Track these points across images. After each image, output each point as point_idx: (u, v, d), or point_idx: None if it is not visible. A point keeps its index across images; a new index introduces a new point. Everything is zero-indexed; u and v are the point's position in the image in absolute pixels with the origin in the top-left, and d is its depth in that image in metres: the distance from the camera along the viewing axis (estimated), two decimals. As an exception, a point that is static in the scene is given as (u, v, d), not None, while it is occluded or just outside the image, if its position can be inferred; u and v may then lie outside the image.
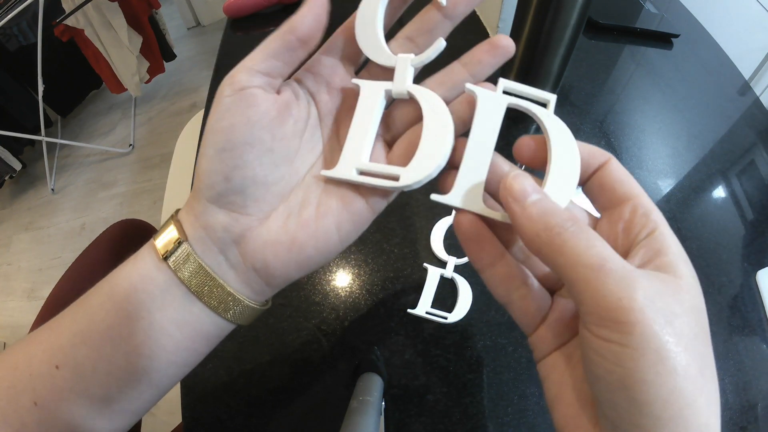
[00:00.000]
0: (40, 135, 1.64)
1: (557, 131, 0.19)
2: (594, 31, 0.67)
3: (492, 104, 0.19)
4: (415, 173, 0.19)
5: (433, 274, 0.42)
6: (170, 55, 1.89)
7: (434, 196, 0.20)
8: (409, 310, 0.40)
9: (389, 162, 0.21)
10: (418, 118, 0.21)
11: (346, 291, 0.42)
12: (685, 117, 0.57)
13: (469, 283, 0.41)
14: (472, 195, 0.19)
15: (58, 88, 1.73)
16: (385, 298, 0.41)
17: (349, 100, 0.22)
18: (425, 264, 0.43)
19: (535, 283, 0.20)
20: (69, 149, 1.86)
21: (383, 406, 0.34)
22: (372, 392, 0.32)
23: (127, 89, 1.76)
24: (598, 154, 0.19)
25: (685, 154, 0.53)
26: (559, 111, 0.61)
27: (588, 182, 0.19)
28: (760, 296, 0.41)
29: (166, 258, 0.19)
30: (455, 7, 0.20)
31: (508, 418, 0.35)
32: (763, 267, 0.43)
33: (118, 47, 1.60)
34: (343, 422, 0.29)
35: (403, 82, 0.21)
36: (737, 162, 0.52)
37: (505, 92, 0.19)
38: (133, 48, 1.62)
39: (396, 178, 0.20)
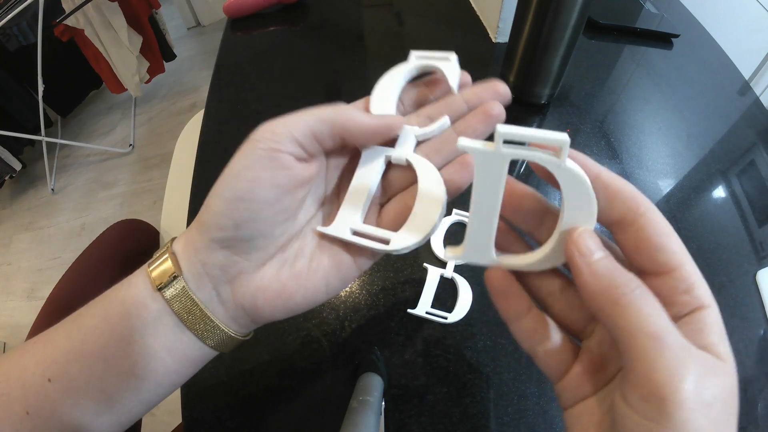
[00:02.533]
0: (40, 135, 1.64)
1: (570, 185, 0.17)
2: (594, 31, 0.67)
3: (491, 161, 0.17)
4: (404, 240, 0.21)
5: (433, 274, 0.42)
6: (170, 55, 1.89)
7: (447, 255, 0.21)
8: (409, 310, 0.40)
9: (380, 223, 0.22)
10: (411, 182, 0.22)
11: (346, 291, 0.42)
12: (685, 117, 0.57)
13: (469, 283, 0.41)
14: (483, 249, 0.20)
15: (58, 88, 1.73)
16: (385, 298, 0.41)
17: (354, 159, 0.23)
18: (425, 264, 0.43)
19: (558, 338, 0.20)
20: (69, 149, 1.86)
21: (383, 406, 0.34)
22: (372, 392, 0.32)
23: (127, 89, 1.76)
24: (634, 200, 0.17)
25: (685, 154, 0.53)
26: (559, 111, 0.61)
27: (619, 230, 0.17)
28: (760, 296, 0.41)
29: (160, 289, 0.20)
30: (478, 98, 0.22)
31: (508, 418, 0.35)
32: (763, 267, 0.43)
33: (118, 47, 1.60)
34: (343, 422, 0.29)
35: (404, 151, 0.22)
36: (737, 162, 0.52)
37: (506, 141, 0.16)
38: (133, 48, 1.62)
39: (386, 242, 0.21)
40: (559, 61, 0.50)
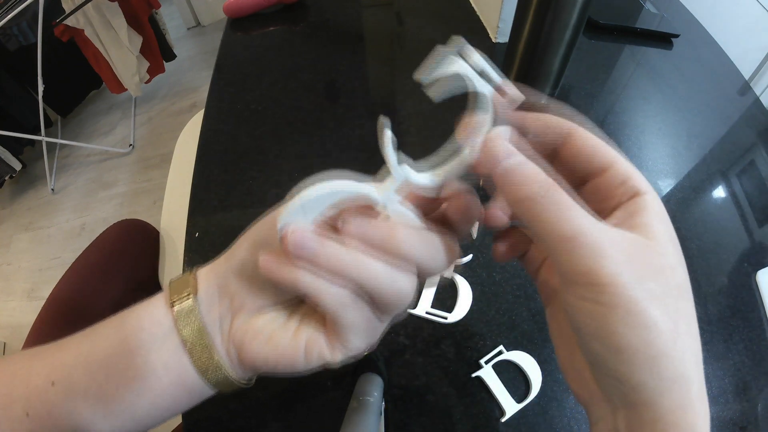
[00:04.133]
0: (40, 135, 1.64)
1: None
2: (594, 31, 0.67)
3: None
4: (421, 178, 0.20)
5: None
6: (170, 55, 1.89)
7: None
8: (409, 310, 0.40)
9: None
10: None
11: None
12: (685, 117, 0.57)
13: (469, 283, 0.41)
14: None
15: (58, 88, 1.73)
16: (385, 298, 0.41)
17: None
18: (425, 264, 0.43)
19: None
20: (69, 149, 1.86)
21: (383, 406, 0.34)
22: (372, 392, 0.32)
23: (127, 89, 1.76)
24: (558, 126, 0.19)
25: (685, 154, 0.53)
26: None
27: (559, 155, 0.19)
28: (760, 296, 0.41)
29: (173, 303, 0.20)
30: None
31: (508, 418, 0.35)
32: (763, 267, 0.43)
33: (118, 47, 1.60)
34: (343, 422, 0.29)
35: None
36: (737, 162, 0.52)
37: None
38: (133, 48, 1.62)
39: None
40: (559, 61, 0.50)
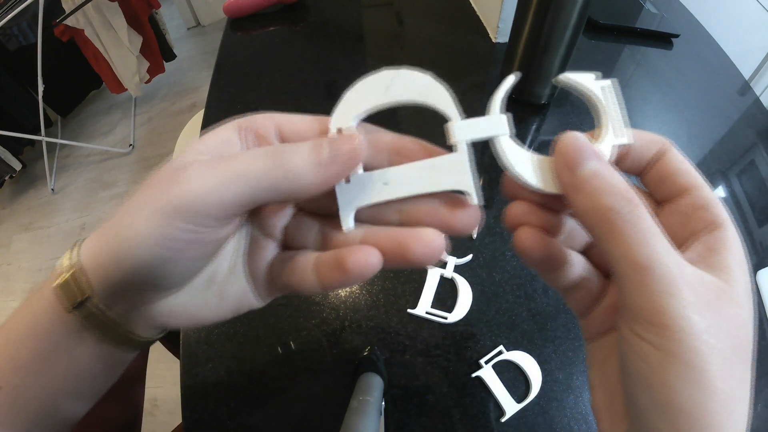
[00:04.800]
0: (40, 135, 1.64)
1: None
2: (594, 31, 0.67)
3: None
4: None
5: (433, 274, 0.42)
6: (170, 55, 1.89)
7: None
8: (409, 310, 0.40)
9: None
10: None
11: (347, 291, 0.42)
12: (685, 117, 0.57)
13: (469, 283, 0.41)
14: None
15: (58, 88, 1.73)
16: (385, 298, 0.41)
17: None
18: (425, 264, 0.43)
19: (587, 277, 0.19)
20: (69, 149, 1.86)
21: (383, 406, 0.34)
22: (372, 392, 0.32)
23: (127, 89, 1.76)
24: (656, 141, 0.18)
25: (685, 154, 0.53)
26: (559, 111, 0.61)
27: (646, 174, 0.18)
28: (760, 296, 0.41)
29: (74, 308, 0.18)
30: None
31: (508, 418, 0.35)
32: (763, 267, 0.43)
33: (118, 47, 1.60)
34: (343, 422, 0.29)
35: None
36: (737, 162, 0.52)
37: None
38: (133, 48, 1.62)
39: None
40: (559, 61, 0.50)
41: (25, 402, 0.20)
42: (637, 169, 0.18)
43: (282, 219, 0.20)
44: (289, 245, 0.21)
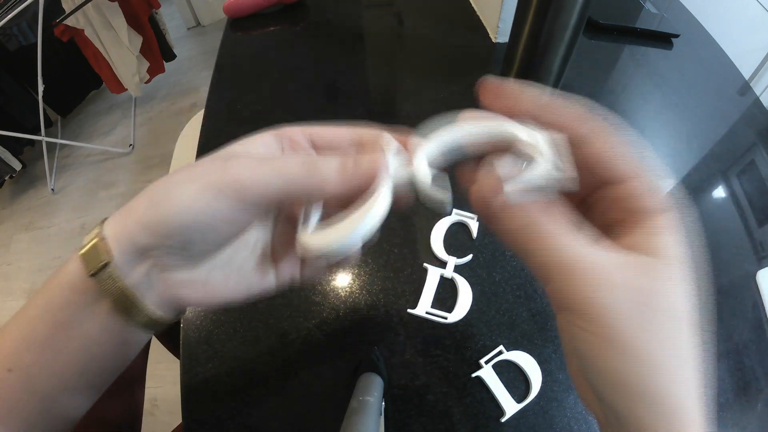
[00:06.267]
0: (40, 135, 1.64)
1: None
2: (594, 31, 0.67)
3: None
4: (314, 241, 0.20)
5: (433, 274, 0.42)
6: (170, 55, 1.89)
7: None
8: (409, 310, 0.40)
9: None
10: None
11: (346, 291, 0.42)
12: (685, 117, 0.57)
13: (469, 283, 0.41)
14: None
15: (58, 88, 1.73)
16: (385, 298, 0.41)
17: None
18: (425, 264, 0.43)
19: None
20: (69, 149, 1.86)
21: (383, 406, 0.34)
22: (372, 392, 0.32)
23: (127, 89, 1.76)
24: (576, 124, 0.17)
25: (685, 154, 0.53)
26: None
27: (579, 154, 0.17)
28: (760, 296, 0.41)
29: (92, 275, 0.20)
30: None
31: (508, 418, 0.35)
32: (763, 267, 0.43)
33: (118, 47, 1.60)
34: (343, 422, 0.29)
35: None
36: (737, 162, 0.52)
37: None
38: (133, 48, 1.62)
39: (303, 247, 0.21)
40: (559, 61, 0.50)
41: (35, 385, 0.21)
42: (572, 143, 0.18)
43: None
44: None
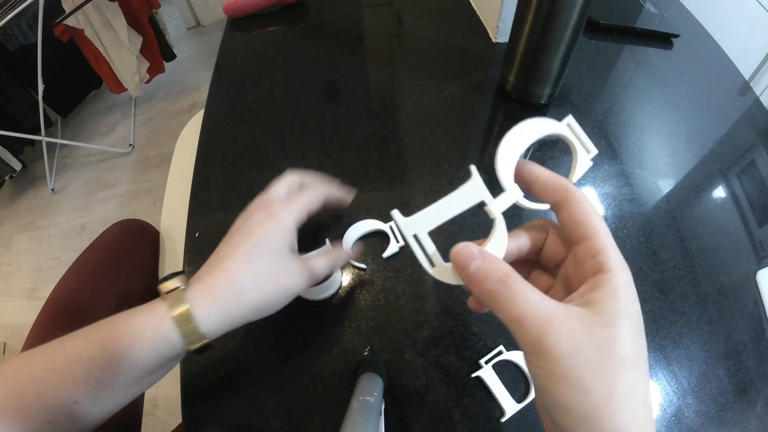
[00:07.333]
0: (40, 135, 1.64)
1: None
2: (594, 31, 0.67)
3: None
4: (446, 275, 0.24)
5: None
6: (170, 55, 1.89)
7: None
8: (409, 310, 0.40)
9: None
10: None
11: (346, 291, 0.42)
12: (685, 117, 0.57)
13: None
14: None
15: (58, 88, 1.73)
16: (385, 298, 0.41)
17: None
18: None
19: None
20: (69, 149, 1.86)
21: (383, 406, 0.34)
22: (372, 392, 0.32)
23: (127, 89, 1.76)
24: (560, 188, 0.23)
25: (685, 154, 0.53)
26: (559, 111, 0.61)
27: (558, 212, 0.23)
28: (760, 296, 0.41)
29: (195, 352, 0.30)
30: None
31: (508, 419, 0.35)
32: (763, 267, 0.43)
33: (118, 47, 1.60)
34: (343, 422, 0.29)
35: (498, 208, 0.24)
36: (737, 162, 0.52)
37: None
38: (133, 48, 1.62)
39: (432, 264, 0.24)
40: (559, 61, 0.50)
41: (86, 417, 0.28)
42: (551, 205, 0.23)
43: None
44: None
